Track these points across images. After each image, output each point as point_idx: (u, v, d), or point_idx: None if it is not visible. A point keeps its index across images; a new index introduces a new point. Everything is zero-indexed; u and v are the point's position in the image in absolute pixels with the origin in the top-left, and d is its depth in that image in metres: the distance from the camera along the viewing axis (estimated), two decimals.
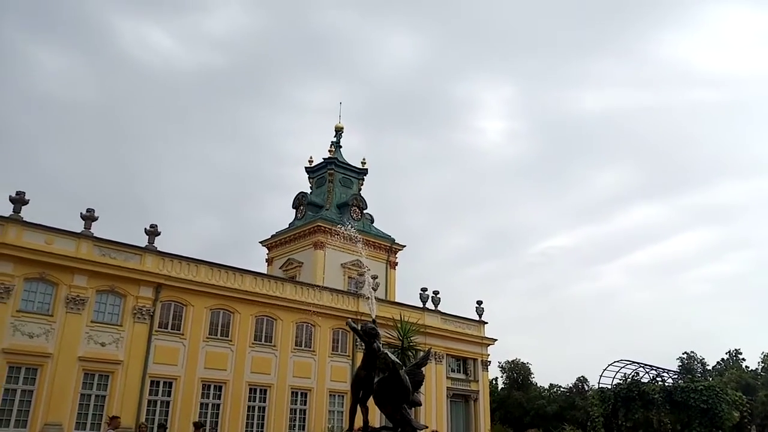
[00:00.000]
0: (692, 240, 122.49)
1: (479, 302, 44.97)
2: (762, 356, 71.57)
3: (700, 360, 76.43)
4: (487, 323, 44.81)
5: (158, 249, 29.63)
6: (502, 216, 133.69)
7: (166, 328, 29.23)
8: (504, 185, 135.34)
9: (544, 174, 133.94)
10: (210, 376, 30.06)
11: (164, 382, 28.59)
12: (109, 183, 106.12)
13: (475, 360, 43.71)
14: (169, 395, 28.60)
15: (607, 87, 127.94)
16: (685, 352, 76.38)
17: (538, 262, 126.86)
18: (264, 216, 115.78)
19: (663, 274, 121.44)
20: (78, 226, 27.49)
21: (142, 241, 29.45)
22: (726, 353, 78.03)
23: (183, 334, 29.62)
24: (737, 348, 77.73)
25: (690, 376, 55.14)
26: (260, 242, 50.42)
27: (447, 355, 41.51)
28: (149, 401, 27.82)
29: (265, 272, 42.29)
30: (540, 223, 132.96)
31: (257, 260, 57.83)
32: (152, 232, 29.77)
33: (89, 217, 27.72)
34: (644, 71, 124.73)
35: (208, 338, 30.40)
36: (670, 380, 44.81)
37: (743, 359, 76.34)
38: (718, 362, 77.10)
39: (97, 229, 27.85)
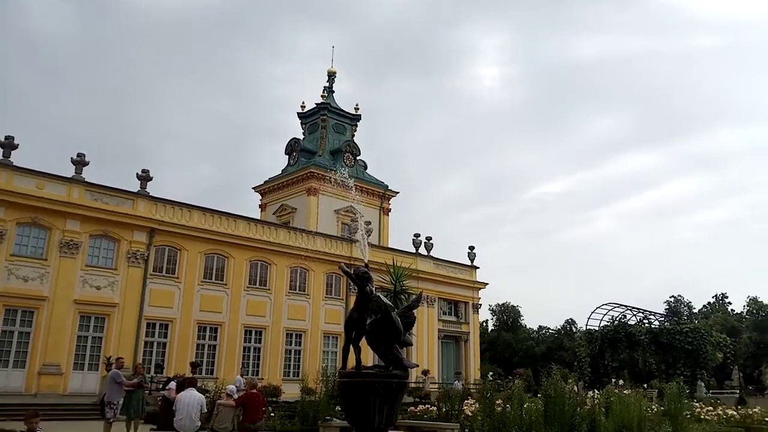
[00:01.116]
0: (685, 186, 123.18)
1: (471, 247, 45.52)
2: (748, 300, 73.25)
3: (687, 303, 78.04)
4: (478, 268, 45.49)
5: (151, 194, 29.60)
6: (496, 162, 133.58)
7: (161, 272, 29.51)
8: (499, 131, 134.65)
9: (538, 120, 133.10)
10: (205, 318, 30.59)
11: (160, 324, 29.10)
12: (100, 128, 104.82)
13: (466, 303, 44.56)
14: (165, 337, 29.16)
15: (604, 33, 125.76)
16: (673, 296, 77.88)
17: (531, 208, 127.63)
18: (257, 162, 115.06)
19: (655, 220, 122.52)
20: (69, 171, 27.34)
21: (135, 186, 29.40)
22: (713, 297, 79.78)
23: (178, 278, 29.93)
24: (724, 292, 79.50)
25: (676, 319, 56.51)
26: (253, 188, 50.40)
27: (439, 298, 42.25)
28: (146, 343, 28.38)
29: (259, 218, 42.38)
30: (534, 169, 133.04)
31: (251, 206, 57.88)
32: (144, 177, 29.63)
33: (80, 162, 27.50)
34: (641, 17, 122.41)
35: (203, 282, 30.76)
36: (656, 323, 45.99)
37: (729, 303, 78.12)
38: (704, 306, 78.83)
39: (88, 174, 27.75)
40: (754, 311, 71.72)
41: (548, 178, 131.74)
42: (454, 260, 44.21)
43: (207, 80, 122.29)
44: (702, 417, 19.39)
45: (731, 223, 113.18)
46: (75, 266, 26.64)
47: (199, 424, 10.96)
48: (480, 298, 45.90)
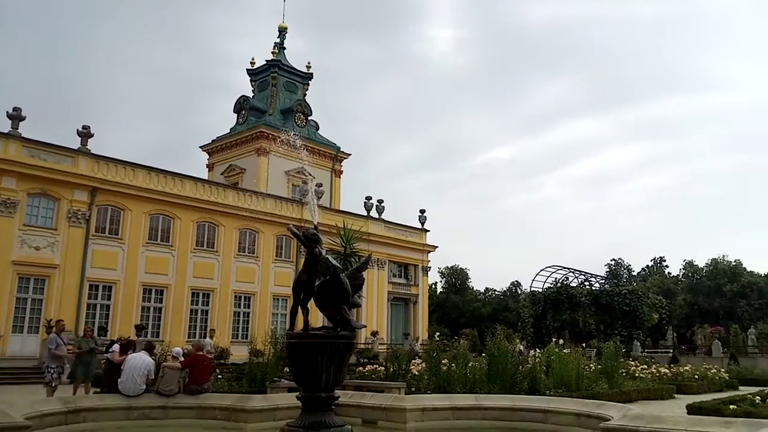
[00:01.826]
0: (629, 153, 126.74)
1: (422, 211, 45.88)
2: (684, 263, 76.82)
3: (627, 266, 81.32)
4: (428, 231, 45.98)
5: (93, 152, 28.49)
6: (448, 127, 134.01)
7: (104, 233, 28.68)
8: (451, 96, 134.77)
9: (490, 85, 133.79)
10: (151, 280, 30.00)
11: (103, 286, 28.41)
12: (38, 82, 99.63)
13: (416, 266, 45.11)
14: (109, 299, 28.51)
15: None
16: (613, 259, 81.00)
17: (481, 173, 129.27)
18: (205, 121, 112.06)
19: (599, 185, 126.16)
20: (4, 126, 26.01)
21: (75, 143, 28.22)
22: (651, 260, 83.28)
23: (122, 239, 29.15)
24: (662, 255, 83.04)
25: (616, 281, 58.83)
26: (200, 147, 49.09)
27: (389, 261, 42.61)
28: (88, 305, 27.70)
29: (206, 178, 41.45)
30: (484, 135, 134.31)
31: (198, 166, 56.63)
32: (85, 134, 28.45)
33: (16, 117, 26.14)
34: None
35: (147, 243, 30.06)
36: (597, 285, 47.69)
37: (667, 266, 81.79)
38: (643, 268, 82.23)
39: (25, 130, 26.42)
40: (690, 274, 75.29)
41: (498, 143, 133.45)
42: (405, 223, 44.52)
43: (153, 34, 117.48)
44: (636, 375, 20.36)
45: (671, 189, 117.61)
46: (12, 226, 25.57)
47: (144, 387, 10.79)
48: (429, 261, 46.56)
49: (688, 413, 11.69)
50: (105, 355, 16.78)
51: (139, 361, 11.02)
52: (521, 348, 24.95)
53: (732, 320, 56.98)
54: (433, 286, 73.67)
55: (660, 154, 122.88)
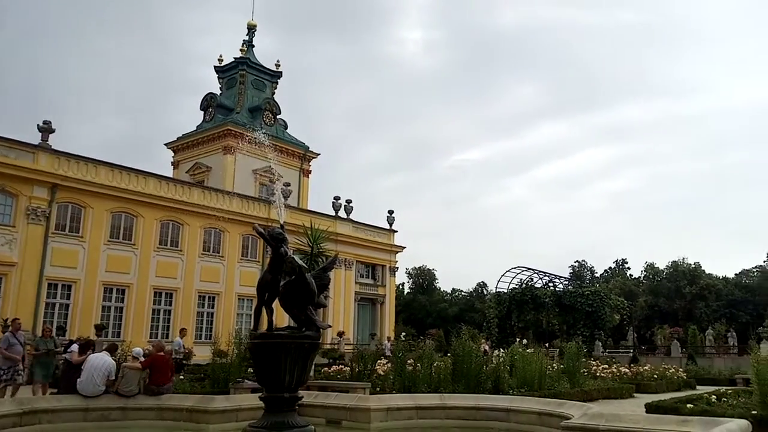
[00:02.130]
0: (593, 157, 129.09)
1: (390, 211, 45.97)
2: (645, 265, 78.62)
3: (590, 268, 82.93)
4: (396, 231, 46.10)
5: (53, 147, 27.78)
6: (418, 128, 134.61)
7: (64, 231, 27.97)
8: (421, 97, 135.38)
9: (460, 87, 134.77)
10: (112, 279, 29.37)
11: (63, 285, 27.71)
12: None
13: (383, 266, 45.16)
14: (68, 298, 27.82)
15: (523, 2, 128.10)
16: (577, 261, 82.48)
17: (450, 175, 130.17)
18: (171, 117, 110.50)
19: (565, 188, 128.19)
20: None
21: (36, 139, 27.49)
22: (613, 262, 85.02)
23: (82, 237, 28.47)
24: (624, 258, 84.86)
25: (579, 283, 59.79)
26: (165, 144, 48.19)
27: (357, 261, 42.56)
28: (47, 304, 26.99)
29: (171, 176, 40.75)
30: (454, 136, 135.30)
31: (163, 164, 55.76)
32: (46, 129, 27.72)
33: None
34: None
35: (109, 241, 29.42)
36: (561, 286, 48.32)
37: (628, 268, 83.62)
38: (605, 270, 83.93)
39: None
40: (651, 276, 77.08)
41: (467, 145, 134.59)
42: (373, 224, 44.54)
43: (120, 28, 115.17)
44: (598, 374, 20.74)
45: (634, 192, 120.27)
46: None
47: (103, 388, 10.55)
48: (397, 262, 46.67)
49: (647, 412, 11.94)
50: (63, 355, 16.38)
51: (100, 361, 10.78)
52: (486, 348, 25.21)
53: (691, 321, 58.47)
54: (401, 287, 73.92)
55: (624, 158, 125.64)
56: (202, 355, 24.94)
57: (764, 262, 72.94)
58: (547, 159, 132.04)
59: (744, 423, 7.14)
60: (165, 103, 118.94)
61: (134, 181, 30.68)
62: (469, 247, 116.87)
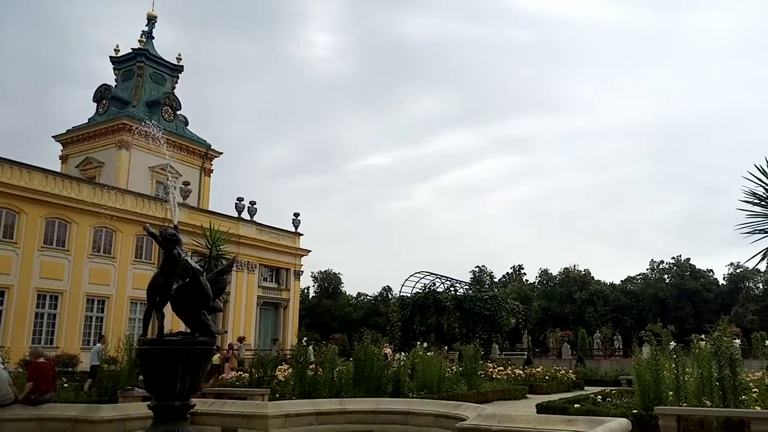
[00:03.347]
0: (493, 166, 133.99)
1: (296, 214, 45.42)
2: (540, 271, 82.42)
3: (489, 273, 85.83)
4: (302, 235, 45.61)
5: None
6: (324, 131, 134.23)
7: None
8: (328, 100, 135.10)
9: (366, 93, 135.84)
10: None
11: None
12: None
13: (288, 270, 44.51)
14: None
15: (431, 14, 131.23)
16: (478, 266, 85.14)
17: (355, 179, 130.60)
18: (62, 109, 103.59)
19: (467, 195, 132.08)
20: None
21: None
22: (511, 268, 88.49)
23: None
24: (520, 264, 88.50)
25: (478, 287, 61.73)
26: (54, 137, 45.03)
27: (260, 264, 41.70)
28: None
29: (59, 171, 38.09)
30: (360, 141, 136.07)
31: (50, 158, 52.01)
32: None
33: None
34: (464, 3, 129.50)
35: None
36: (461, 290, 49.65)
37: (524, 273, 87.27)
38: (503, 275, 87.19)
39: None
40: (545, 282, 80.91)
41: (373, 151, 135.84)
42: (278, 226, 43.81)
43: (2, 12, 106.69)
44: (494, 376, 21.40)
45: (531, 201, 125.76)
46: None
47: None
48: (302, 265, 46.19)
49: (538, 412, 12.40)
50: None
51: None
52: (389, 352, 25.31)
53: (581, 325, 61.81)
54: (306, 291, 73.18)
55: (521, 169, 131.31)
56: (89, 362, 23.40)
57: (647, 270, 78.59)
58: (451, 167, 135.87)
59: (625, 422, 7.52)
60: (55, 95, 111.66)
61: (17, 175, 28.46)
62: (375, 252, 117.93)
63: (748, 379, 11.79)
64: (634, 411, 10.89)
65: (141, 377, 14.14)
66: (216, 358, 23.35)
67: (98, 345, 20.60)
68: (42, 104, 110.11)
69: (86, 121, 44.77)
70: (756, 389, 11.61)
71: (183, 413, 7.69)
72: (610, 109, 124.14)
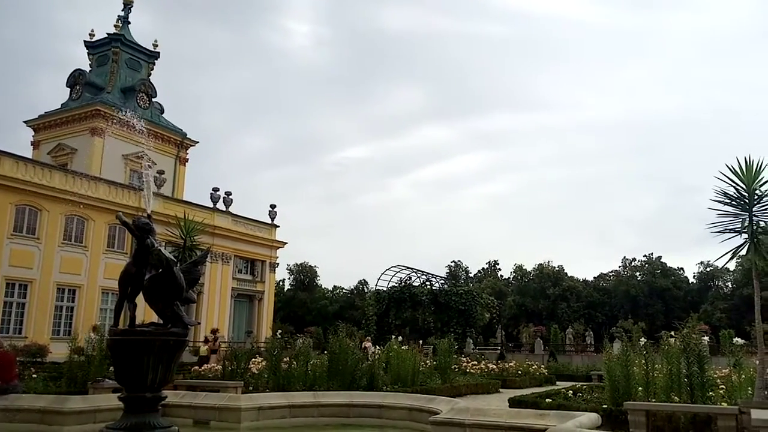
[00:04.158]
0: (470, 160, 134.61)
1: (273, 206, 45.11)
2: (514, 267, 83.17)
3: (465, 268, 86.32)
4: (278, 226, 45.32)
5: None
6: (302, 122, 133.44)
7: None
8: (306, 91, 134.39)
9: (345, 85, 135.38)
10: None
11: None
12: None
13: (263, 262, 44.22)
14: None
15: (411, 7, 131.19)
16: (453, 261, 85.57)
17: (333, 171, 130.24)
18: (34, 94, 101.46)
19: (444, 190, 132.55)
20: None
21: None
22: (486, 263, 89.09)
23: None
24: (496, 259, 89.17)
25: (454, 282, 62.09)
26: (25, 122, 44.06)
27: (235, 256, 41.35)
28: None
29: (30, 157, 37.27)
30: (338, 133, 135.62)
31: (22, 143, 50.92)
32: None
33: None
34: None
35: None
36: (437, 285, 49.83)
37: (499, 269, 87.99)
38: (479, 270, 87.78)
39: None
40: (519, 277, 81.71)
41: (351, 143, 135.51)
42: (253, 218, 43.47)
43: None
44: (468, 370, 21.57)
45: (506, 197, 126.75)
46: None
47: None
48: (278, 257, 45.93)
49: (510, 406, 12.51)
50: None
51: None
52: (368, 345, 25.25)
53: (554, 320, 62.60)
54: (281, 283, 72.91)
55: (498, 164, 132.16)
56: (59, 352, 23.00)
57: (619, 267, 79.80)
58: (428, 160, 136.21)
59: (594, 416, 7.64)
60: (27, 80, 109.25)
61: None
62: (352, 245, 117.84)
63: (715, 375, 12.04)
64: (604, 406, 11.06)
65: (112, 368, 13.97)
66: (204, 350, 23.30)
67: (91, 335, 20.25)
68: (13, 89, 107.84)
69: (59, 107, 43.85)
70: (723, 386, 11.87)
71: (154, 405, 7.61)
72: (586, 106, 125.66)
